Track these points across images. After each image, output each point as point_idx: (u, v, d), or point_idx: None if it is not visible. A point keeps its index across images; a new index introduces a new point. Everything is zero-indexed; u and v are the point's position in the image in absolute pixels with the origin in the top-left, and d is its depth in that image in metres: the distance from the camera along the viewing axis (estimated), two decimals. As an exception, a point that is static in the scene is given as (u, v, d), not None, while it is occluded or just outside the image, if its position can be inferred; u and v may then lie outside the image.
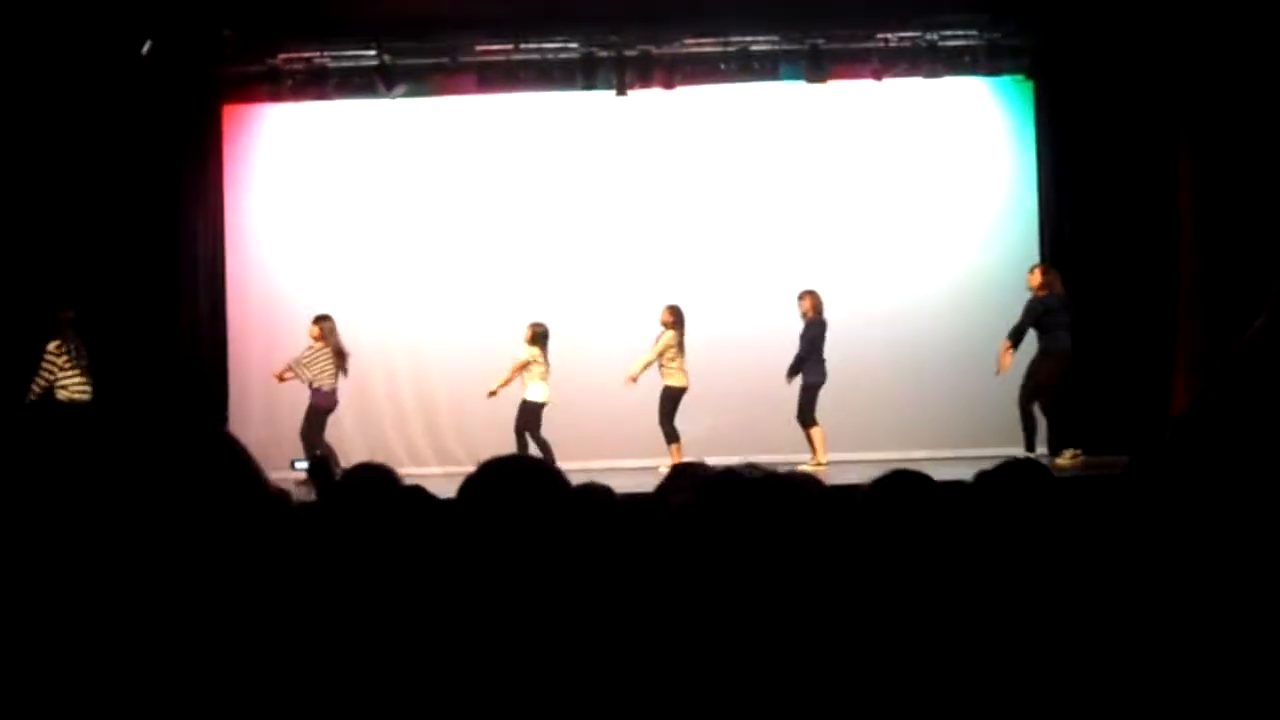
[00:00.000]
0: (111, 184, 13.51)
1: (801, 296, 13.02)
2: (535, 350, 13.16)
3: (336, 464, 12.57)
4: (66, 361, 12.32)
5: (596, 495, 3.43)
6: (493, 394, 13.10)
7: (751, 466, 5.38)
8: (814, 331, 12.91)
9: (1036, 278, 12.60)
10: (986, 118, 14.50)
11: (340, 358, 13.16)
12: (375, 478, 3.66)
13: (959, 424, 13.79)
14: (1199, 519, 3.70)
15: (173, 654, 2.44)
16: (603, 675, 3.00)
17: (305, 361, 13.05)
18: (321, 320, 13.18)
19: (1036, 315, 12.41)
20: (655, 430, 13.13)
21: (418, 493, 3.64)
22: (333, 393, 13.18)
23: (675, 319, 13.17)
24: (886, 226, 14.41)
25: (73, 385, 12.37)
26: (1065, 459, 12.28)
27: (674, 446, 13.07)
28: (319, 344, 13.09)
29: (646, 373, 13.23)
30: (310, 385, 13.05)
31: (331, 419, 13.53)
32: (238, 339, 14.35)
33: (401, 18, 13.17)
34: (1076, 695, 3.18)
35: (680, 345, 13.14)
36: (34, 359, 12.30)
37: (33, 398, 12.27)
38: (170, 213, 14.10)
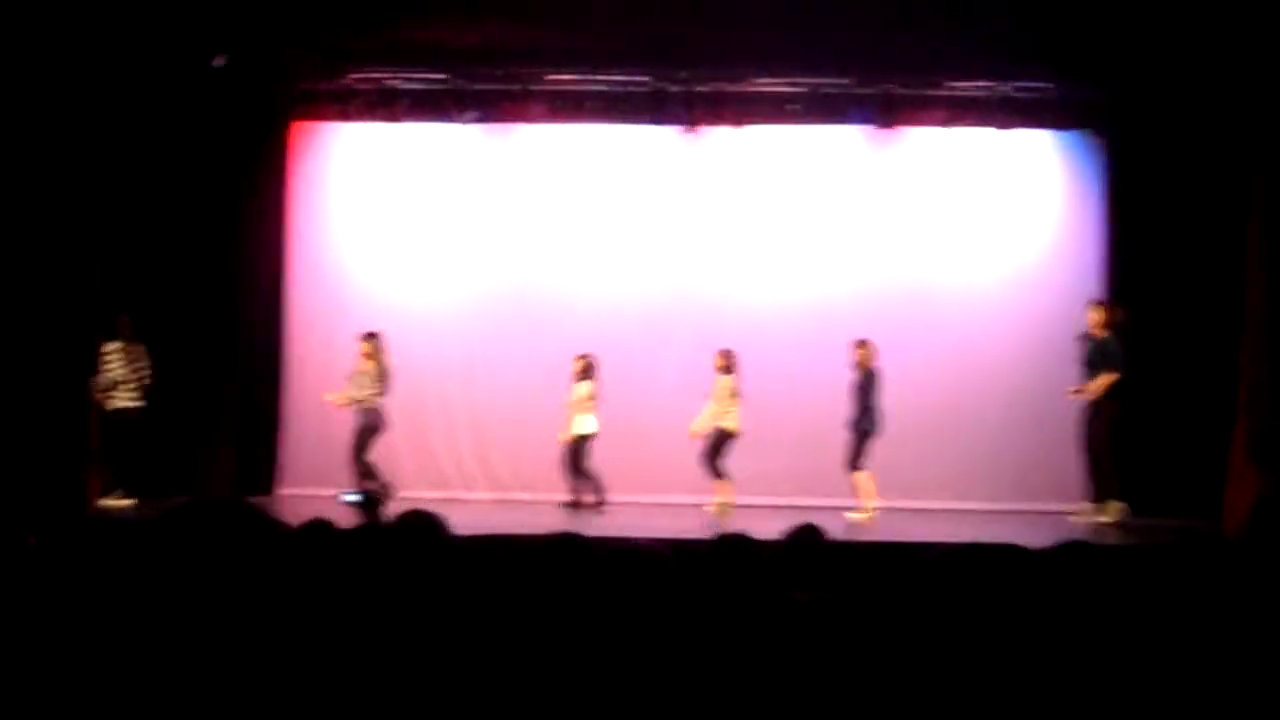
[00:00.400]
0: (178, 195, 13.64)
1: (855, 345, 12.92)
2: (591, 383, 13.19)
3: (379, 482, 12.63)
4: (119, 367, 12.42)
5: (630, 560, 3.41)
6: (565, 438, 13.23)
7: (810, 529, 5.30)
8: (866, 382, 12.80)
9: (1103, 315, 12.47)
10: (1054, 171, 14.39)
11: (385, 377, 13.16)
12: (422, 526, 3.65)
13: (1014, 476, 13.72)
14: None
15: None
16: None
17: (356, 382, 13.03)
18: (371, 337, 13.19)
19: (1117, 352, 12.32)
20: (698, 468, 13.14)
21: (462, 549, 3.63)
22: (378, 411, 13.16)
23: (730, 363, 13.13)
24: (948, 274, 14.34)
25: (122, 394, 12.47)
26: (1110, 514, 12.16)
27: (721, 483, 13.04)
28: (368, 362, 13.09)
29: (690, 411, 13.19)
30: (358, 406, 13.05)
31: (384, 439, 13.56)
32: (295, 357, 14.41)
33: (474, 45, 13.18)
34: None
35: (736, 389, 13.09)
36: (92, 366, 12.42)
37: (98, 399, 12.40)
38: (234, 226, 14.18)
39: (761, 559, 3.79)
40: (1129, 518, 12.20)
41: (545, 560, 3.09)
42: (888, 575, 3.68)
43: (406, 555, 3.53)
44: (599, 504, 13.05)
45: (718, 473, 13.10)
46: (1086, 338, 12.61)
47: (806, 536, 4.98)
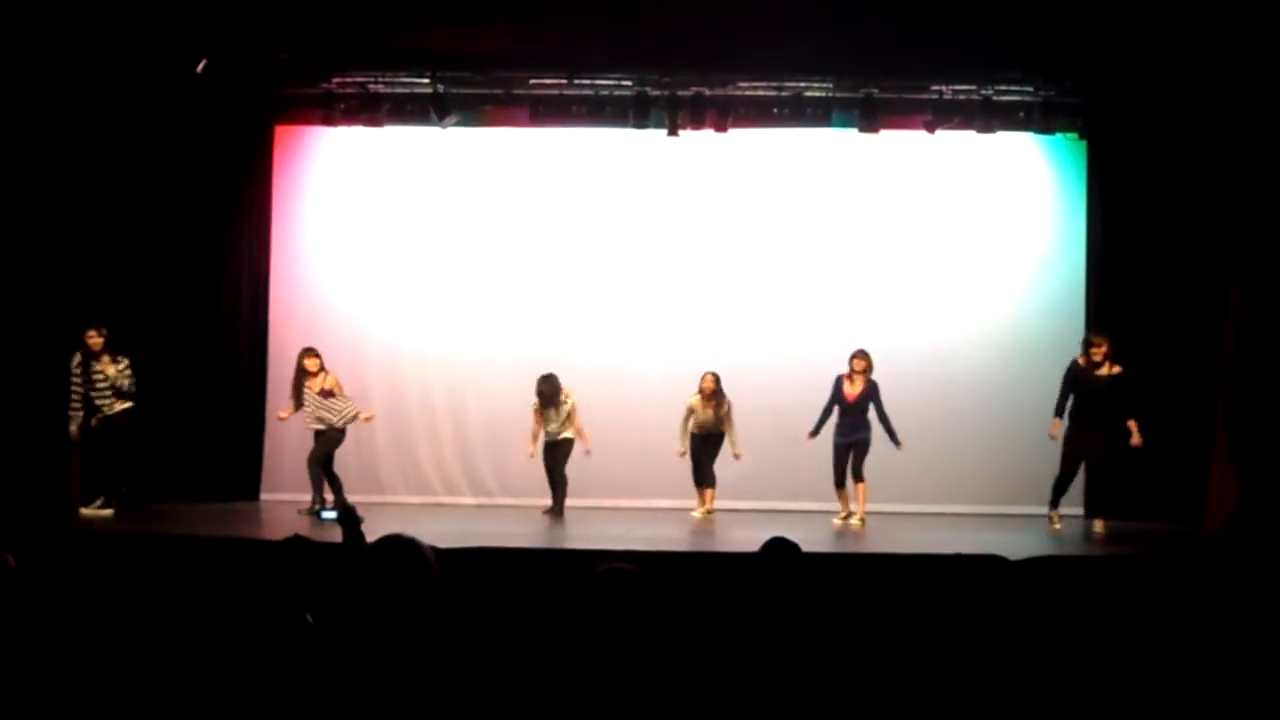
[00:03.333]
0: (162, 199, 13.58)
1: (862, 356, 12.89)
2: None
3: (334, 495, 12.61)
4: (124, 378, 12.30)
5: (621, 582, 3.42)
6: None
7: (782, 541, 5.29)
8: (878, 390, 12.82)
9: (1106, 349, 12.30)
10: (1037, 175, 14.39)
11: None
12: (401, 552, 3.65)
13: (997, 480, 13.71)
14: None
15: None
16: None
17: (336, 401, 12.91)
18: (314, 353, 13.05)
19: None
20: (685, 473, 13.10)
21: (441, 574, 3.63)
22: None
23: (719, 386, 13.16)
24: (931, 279, 14.34)
25: (117, 403, 12.36)
26: (1100, 526, 12.13)
27: (709, 491, 13.06)
28: (328, 376, 12.97)
29: (675, 416, 13.19)
30: (337, 424, 12.96)
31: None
32: (278, 360, 14.31)
33: (457, 49, 13.16)
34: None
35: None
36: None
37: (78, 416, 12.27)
38: (218, 230, 14.15)
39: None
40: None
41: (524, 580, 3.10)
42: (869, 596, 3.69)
43: (387, 579, 3.53)
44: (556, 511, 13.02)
45: (710, 478, 13.11)
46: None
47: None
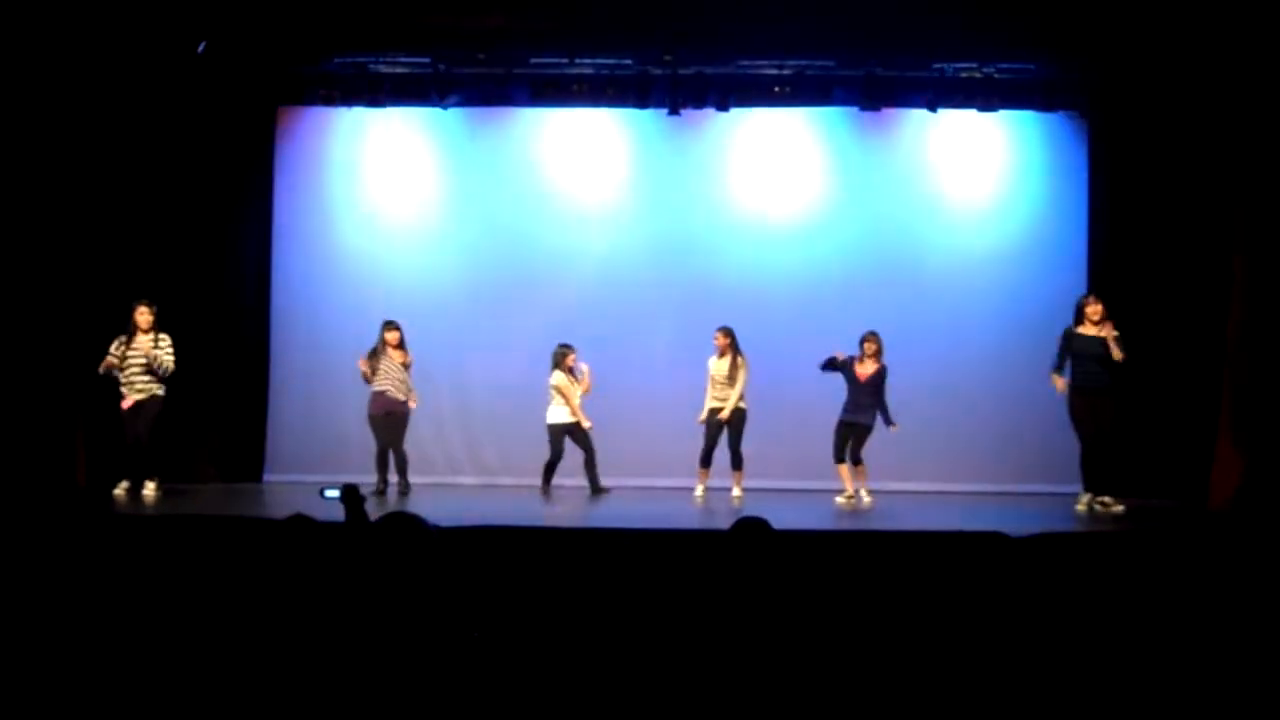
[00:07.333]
0: (163, 181, 13.58)
1: (873, 338, 12.76)
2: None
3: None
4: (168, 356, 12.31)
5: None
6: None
7: (754, 520, 5.30)
8: (886, 373, 12.77)
9: (1102, 309, 12.33)
10: (1039, 153, 14.37)
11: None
12: (405, 529, 3.66)
13: (999, 458, 13.72)
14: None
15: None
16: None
17: (404, 377, 13.03)
18: (398, 327, 13.15)
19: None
20: (693, 453, 13.05)
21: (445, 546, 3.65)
22: None
23: (735, 341, 12.97)
24: (933, 256, 14.33)
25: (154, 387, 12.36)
26: (1109, 505, 12.07)
27: (740, 472, 12.91)
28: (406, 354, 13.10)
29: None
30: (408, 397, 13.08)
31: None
32: (280, 341, 14.35)
33: (457, 29, 13.15)
34: None
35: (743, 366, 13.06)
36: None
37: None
38: (220, 210, 14.13)
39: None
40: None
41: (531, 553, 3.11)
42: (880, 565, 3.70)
43: (391, 557, 3.55)
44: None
45: (741, 457, 12.99)
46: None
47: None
